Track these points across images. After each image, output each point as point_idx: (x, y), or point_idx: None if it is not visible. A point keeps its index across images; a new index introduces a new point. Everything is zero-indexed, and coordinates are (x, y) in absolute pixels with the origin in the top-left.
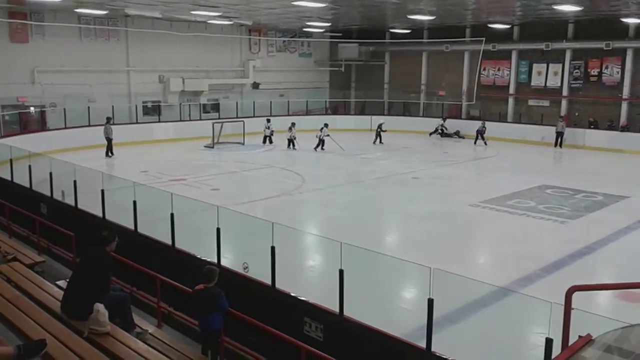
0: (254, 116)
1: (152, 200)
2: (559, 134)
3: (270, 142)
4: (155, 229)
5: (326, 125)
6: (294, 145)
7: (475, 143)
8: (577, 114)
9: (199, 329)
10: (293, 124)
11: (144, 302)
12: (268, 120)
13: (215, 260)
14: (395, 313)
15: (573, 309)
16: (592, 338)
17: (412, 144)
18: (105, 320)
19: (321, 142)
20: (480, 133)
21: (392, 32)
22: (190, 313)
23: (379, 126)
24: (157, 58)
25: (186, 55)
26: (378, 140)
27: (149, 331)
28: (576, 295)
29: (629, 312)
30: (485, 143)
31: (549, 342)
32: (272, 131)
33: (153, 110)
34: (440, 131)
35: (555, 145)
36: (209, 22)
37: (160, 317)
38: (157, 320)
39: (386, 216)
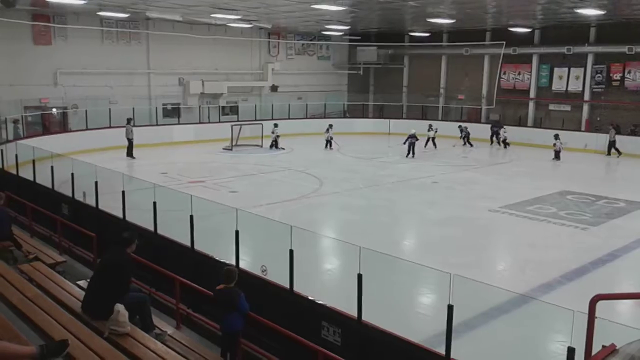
0: (272, 119)
1: (172, 202)
2: (612, 143)
3: (276, 146)
4: (174, 231)
5: (331, 126)
6: (330, 145)
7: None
8: (598, 118)
9: (220, 331)
10: (330, 126)
11: (162, 303)
12: (275, 125)
13: (234, 263)
14: (413, 318)
15: (597, 317)
16: (616, 348)
17: (431, 148)
18: (125, 320)
19: (328, 142)
20: (496, 134)
21: (411, 36)
22: (209, 315)
23: (430, 128)
24: (177, 60)
25: (206, 57)
26: (430, 144)
27: (168, 332)
28: (599, 304)
29: None
30: (504, 145)
31: (571, 351)
32: (278, 136)
33: (173, 113)
34: (464, 138)
35: (609, 153)
36: (228, 25)
37: (179, 319)
38: (176, 322)
39: (404, 220)
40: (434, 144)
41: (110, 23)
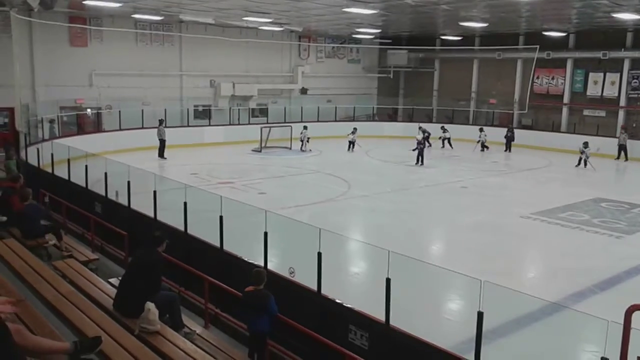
0: (301, 121)
1: (202, 202)
2: (621, 147)
3: (305, 148)
4: (204, 231)
5: (355, 129)
6: (353, 147)
7: (505, 150)
8: (634, 125)
9: (247, 332)
10: (355, 129)
11: (192, 302)
12: (305, 127)
13: (262, 264)
14: (441, 324)
15: (632, 328)
16: None
17: (460, 153)
18: (155, 319)
19: (351, 144)
20: (509, 140)
21: (442, 39)
22: (237, 315)
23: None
24: (209, 63)
25: (237, 60)
26: (480, 147)
27: (197, 331)
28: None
29: None
30: (482, 148)
31: None
32: (308, 138)
33: (204, 114)
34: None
35: (618, 157)
36: (260, 28)
37: (208, 318)
38: (205, 321)
39: (433, 225)
40: (450, 145)
41: (145, 25)
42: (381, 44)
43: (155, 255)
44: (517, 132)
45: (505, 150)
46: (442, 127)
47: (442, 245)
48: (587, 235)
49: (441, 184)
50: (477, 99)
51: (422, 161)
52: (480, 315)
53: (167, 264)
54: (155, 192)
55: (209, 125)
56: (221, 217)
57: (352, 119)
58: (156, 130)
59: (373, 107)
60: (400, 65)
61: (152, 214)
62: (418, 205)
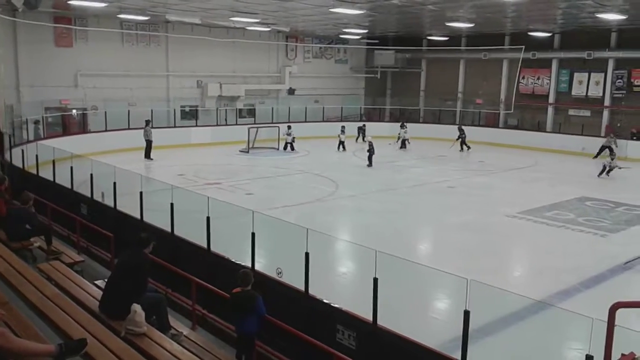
0: (289, 121)
1: (188, 203)
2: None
3: (292, 148)
4: (191, 232)
5: (343, 127)
6: (344, 147)
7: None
8: (619, 124)
9: (235, 333)
10: (343, 127)
11: (179, 304)
12: (289, 127)
13: (249, 265)
14: (428, 323)
15: (616, 325)
16: (636, 356)
17: (447, 152)
18: (142, 321)
19: (341, 143)
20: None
21: (429, 40)
22: (225, 316)
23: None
24: (196, 63)
25: (224, 60)
26: (400, 144)
27: (184, 333)
28: (618, 312)
29: None
30: (401, 145)
31: (589, 359)
32: (294, 138)
33: (190, 115)
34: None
35: (596, 156)
36: (247, 28)
37: (195, 320)
38: (192, 323)
39: (420, 224)
40: (404, 144)
41: (130, 25)
42: (368, 44)
43: (141, 257)
44: (504, 132)
45: (461, 151)
46: (402, 125)
47: (429, 244)
48: (572, 234)
49: (428, 184)
50: (463, 99)
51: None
52: (466, 314)
53: (154, 265)
54: (141, 193)
55: (196, 125)
56: (208, 218)
57: (340, 119)
58: (143, 131)
59: (361, 108)
60: (387, 66)
61: (138, 216)
62: (405, 205)
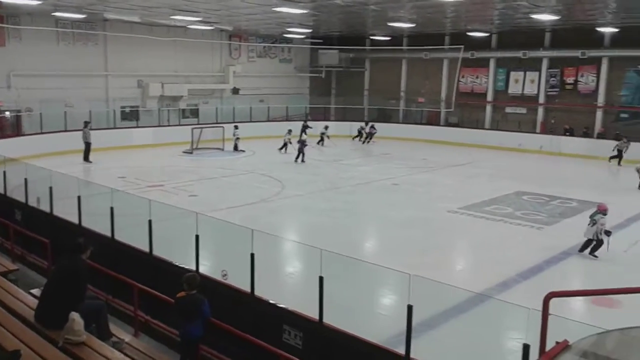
0: (233, 121)
1: (130, 207)
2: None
3: (236, 148)
4: (132, 236)
5: (290, 130)
6: (286, 148)
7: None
8: (553, 121)
9: (179, 337)
10: (289, 130)
11: (120, 310)
12: (236, 127)
13: (194, 268)
14: (374, 320)
15: (550, 314)
16: (569, 344)
17: (392, 151)
18: (80, 329)
19: (285, 145)
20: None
21: (372, 39)
22: (169, 321)
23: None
24: (136, 62)
25: (165, 60)
26: (321, 143)
27: (126, 340)
28: (553, 301)
29: (605, 318)
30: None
31: (526, 348)
32: (238, 137)
33: (131, 115)
34: (361, 135)
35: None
36: (189, 27)
37: (138, 326)
38: (134, 329)
39: (365, 222)
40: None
41: (66, 24)
42: (312, 43)
43: (79, 263)
44: (445, 130)
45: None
46: (367, 123)
47: (374, 241)
48: (510, 228)
49: (373, 182)
50: (406, 98)
51: (302, 158)
52: (409, 308)
53: (93, 271)
54: (79, 197)
55: (137, 127)
56: (150, 221)
57: (286, 118)
58: (81, 132)
59: (306, 107)
60: (332, 65)
61: (76, 220)
62: (351, 203)
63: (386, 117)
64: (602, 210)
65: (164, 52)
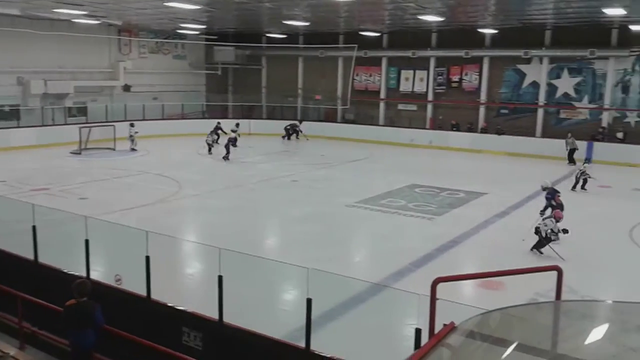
0: (125, 120)
1: (11, 213)
2: (572, 151)
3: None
4: (15, 244)
5: (238, 124)
6: (210, 150)
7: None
8: (440, 117)
9: (69, 347)
10: (237, 125)
11: (4, 323)
12: (132, 125)
13: (84, 274)
14: (276, 315)
15: (438, 299)
16: (455, 325)
17: (290, 148)
18: None
19: (210, 146)
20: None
21: (268, 37)
22: (58, 331)
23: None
24: (16, 58)
25: (49, 55)
26: (295, 136)
27: (11, 354)
28: (443, 286)
29: (489, 299)
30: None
31: (418, 332)
32: (132, 135)
33: (10, 115)
34: (290, 134)
35: (570, 162)
36: (73, 20)
37: (23, 338)
38: (20, 342)
39: (266, 219)
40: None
41: None
42: (207, 40)
43: None
44: (342, 126)
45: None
46: (300, 121)
47: (275, 238)
48: (404, 219)
49: (273, 179)
50: (303, 95)
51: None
52: (308, 301)
53: None
54: None
55: (18, 127)
56: (34, 227)
57: (182, 116)
58: None
59: (203, 104)
60: (228, 62)
61: None
62: (250, 201)
63: (283, 115)
64: (557, 218)
65: (47, 47)
